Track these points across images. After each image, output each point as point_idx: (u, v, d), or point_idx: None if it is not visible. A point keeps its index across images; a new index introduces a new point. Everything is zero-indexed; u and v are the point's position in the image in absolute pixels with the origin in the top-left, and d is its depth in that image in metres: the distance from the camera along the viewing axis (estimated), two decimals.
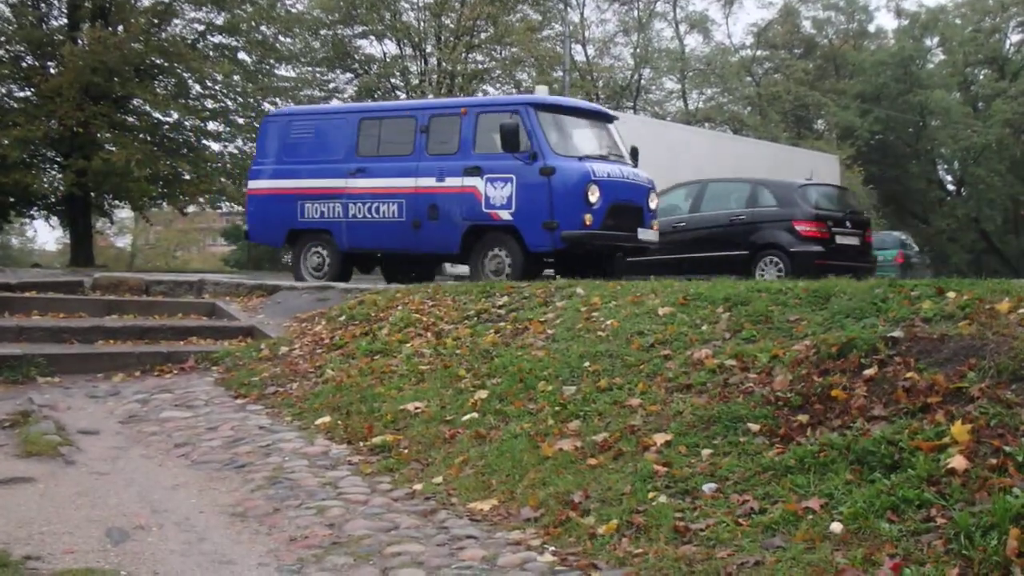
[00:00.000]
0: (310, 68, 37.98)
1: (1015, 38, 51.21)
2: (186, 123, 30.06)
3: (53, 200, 29.08)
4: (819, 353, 5.79)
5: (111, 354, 9.95)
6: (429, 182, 13.68)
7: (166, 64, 28.14)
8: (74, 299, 12.02)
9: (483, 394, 7.02)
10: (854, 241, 15.93)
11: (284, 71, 35.34)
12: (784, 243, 15.08)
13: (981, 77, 51.60)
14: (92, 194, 28.18)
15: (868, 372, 5.36)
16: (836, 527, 4.22)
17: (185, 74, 28.68)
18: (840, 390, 5.29)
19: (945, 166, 53.47)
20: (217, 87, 30.31)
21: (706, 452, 5.23)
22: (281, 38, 33.31)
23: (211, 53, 30.46)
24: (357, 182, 14.33)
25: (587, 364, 6.99)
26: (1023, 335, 5.23)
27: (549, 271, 13.81)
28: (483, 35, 37.34)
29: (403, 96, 37.22)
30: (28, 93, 27.46)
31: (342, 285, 13.54)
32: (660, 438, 5.50)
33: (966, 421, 4.59)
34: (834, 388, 5.32)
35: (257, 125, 31.93)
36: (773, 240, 15.19)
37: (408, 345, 8.98)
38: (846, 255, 15.52)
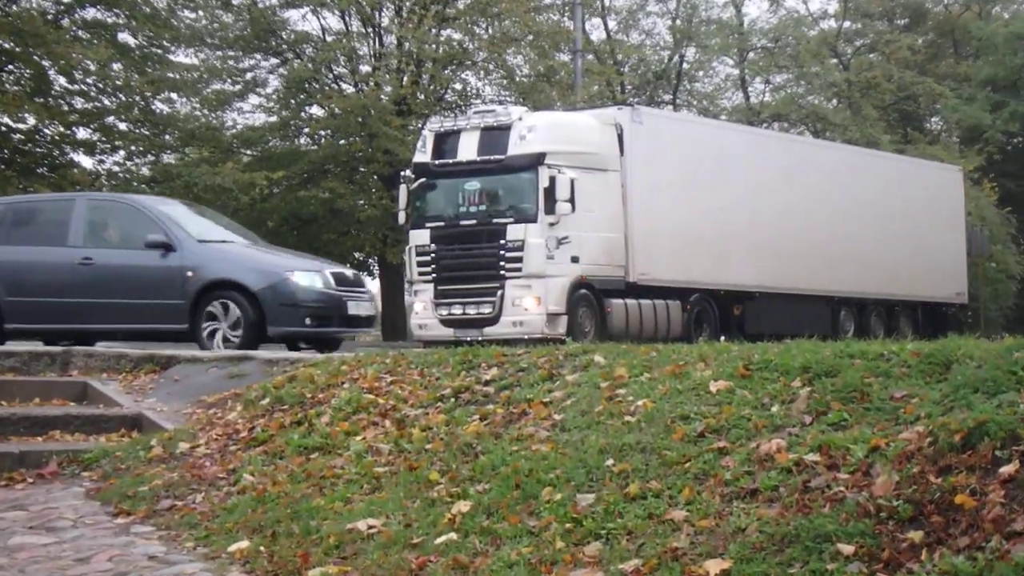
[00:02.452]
0: (219, 52, 38.20)
1: None
2: (46, 130, 30.18)
3: None
4: (937, 443, 5.79)
5: None
6: None
7: (17, 49, 28.30)
8: None
9: (464, 506, 7.00)
10: None
11: (183, 57, 35.55)
12: None
13: None
14: None
15: (1006, 469, 5.35)
16: None
17: (44, 62, 28.84)
18: (967, 495, 5.28)
19: None
20: (90, 80, 30.48)
21: None
22: (179, 12, 33.51)
23: (81, 33, 30.64)
24: None
25: (610, 462, 6.98)
26: None
27: None
28: (460, 4, 37.63)
29: (349, 89, 37.39)
30: None
31: (265, 355, 13.54)
32: (715, 566, 5.48)
33: None
34: (959, 492, 5.31)
35: (148, 132, 32.16)
36: None
37: (358, 439, 8.96)
38: None
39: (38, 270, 17.43)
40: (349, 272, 18.30)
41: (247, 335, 16.13)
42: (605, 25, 48.54)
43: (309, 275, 17.03)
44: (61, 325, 17.27)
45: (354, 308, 17.23)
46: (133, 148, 32.22)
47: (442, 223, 22.09)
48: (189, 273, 16.49)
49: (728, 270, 24.77)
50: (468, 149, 22.00)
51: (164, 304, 16.53)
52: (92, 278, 16.94)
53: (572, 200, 20.91)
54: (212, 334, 16.28)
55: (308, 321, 16.68)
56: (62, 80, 30.12)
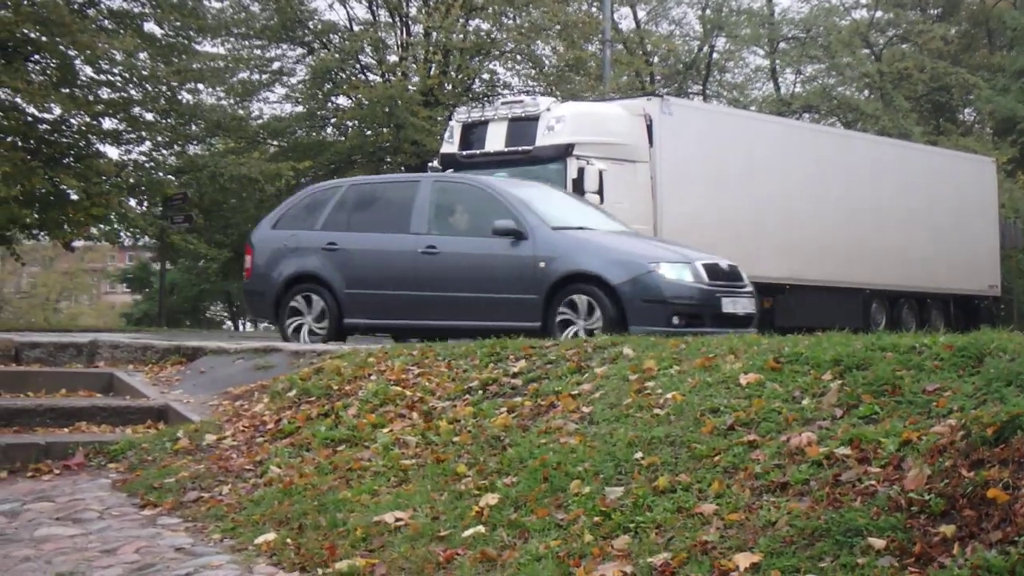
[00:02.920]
0: (246, 42, 38.29)
1: None
2: (72, 120, 30.25)
3: None
4: (969, 437, 5.77)
5: None
6: None
7: (43, 39, 28.38)
8: None
9: (492, 499, 7.01)
10: None
11: (209, 46, 35.64)
12: None
13: None
14: None
15: None
16: None
17: (71, 52, 28.91)
18: (1000, 489, 5.26)
19: None
20: (116, 70, 30.53)
21: None
22: (205, 1, 33.59)
23: (107, 23, 30.72)
24: None
25: (639, 455, 6.98)
26: None
27: None
28: None
29: (376, 79, 37.44)
30: None
31: (292, 347, 13.57)
32: (744, 559, 5.48)
33: None
34: (991, 486, 5.30)
35: (174, 122, 32.29)
36: None
37: (385, 431, 8.98)
38: None
39: (379, 259, 16.10)
40: (724, 263, 16.07)
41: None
42: (634, 15, 48.49)
43: (677, 267, 15.16)
44: (402, 321, 16.17)
45: (730, 306, 15.37)
46: (159, 138, 32.27)
47: None
48: (541, 264, 14.97)
49: (758, 262, 24.59)
50: (496, 140, 21.94)
51: (515, 299, 15.07)
52: (436, 269, 15.63)
53: (601, 191, 20.79)
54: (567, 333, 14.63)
55: (675, 320, 14.68)
56: (88, 70, 30.19)
